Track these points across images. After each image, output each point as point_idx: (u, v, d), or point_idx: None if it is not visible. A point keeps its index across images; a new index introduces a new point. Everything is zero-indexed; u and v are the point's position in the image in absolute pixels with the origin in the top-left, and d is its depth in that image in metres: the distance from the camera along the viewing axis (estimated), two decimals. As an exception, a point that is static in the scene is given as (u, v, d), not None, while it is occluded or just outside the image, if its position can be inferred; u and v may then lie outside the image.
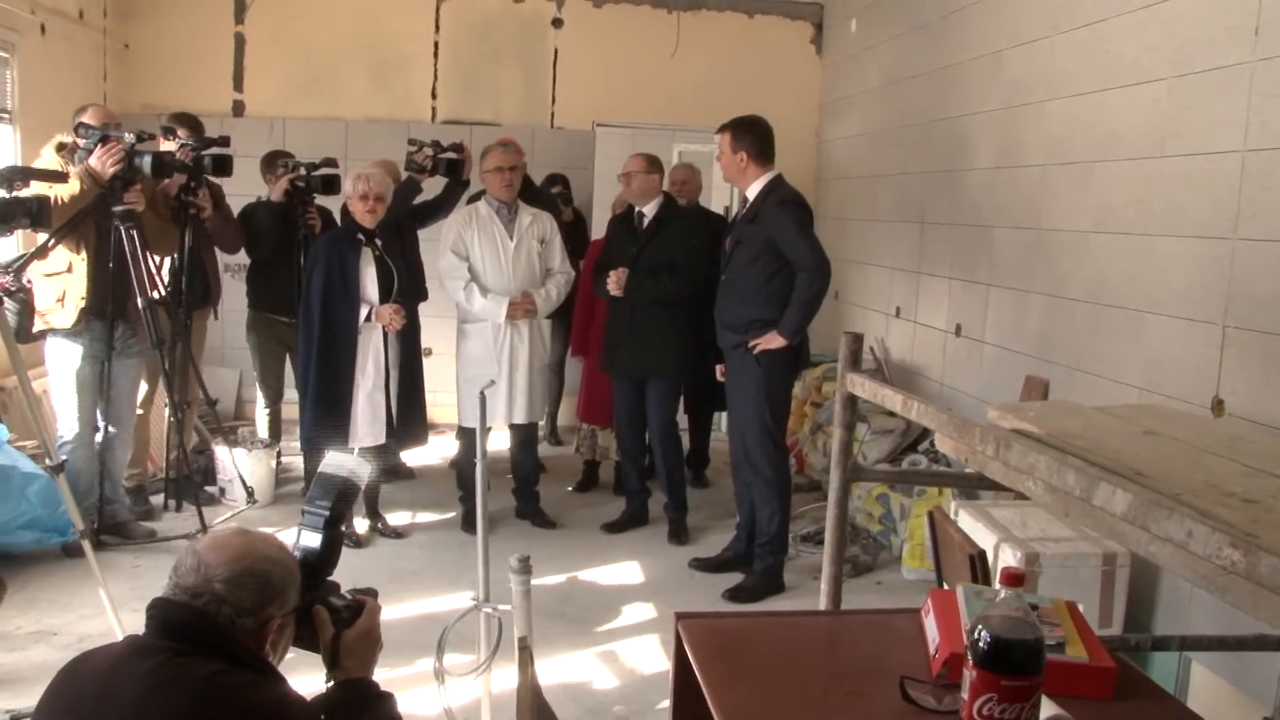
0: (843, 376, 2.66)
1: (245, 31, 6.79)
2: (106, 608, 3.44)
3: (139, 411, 4.82)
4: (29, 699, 1.58)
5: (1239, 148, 3.13)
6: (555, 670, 3.53)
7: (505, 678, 2.74)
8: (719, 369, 4.52)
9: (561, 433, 6.64)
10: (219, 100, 6.73)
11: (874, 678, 1.55)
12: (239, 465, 5.01)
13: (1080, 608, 1.69)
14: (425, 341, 4.96)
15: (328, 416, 4.50)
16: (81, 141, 4.18)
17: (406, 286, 4.64)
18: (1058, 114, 4.19)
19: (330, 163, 5.23)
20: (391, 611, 3.78)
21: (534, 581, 2.59)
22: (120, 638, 2.22)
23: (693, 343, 4.83)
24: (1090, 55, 3.95)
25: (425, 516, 5.15)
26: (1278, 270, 2.98)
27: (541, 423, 5.56)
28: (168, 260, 4.82)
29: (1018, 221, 4.51)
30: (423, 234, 5.06)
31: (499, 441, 5.34)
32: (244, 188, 5.36)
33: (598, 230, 6.18)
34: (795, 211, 4.14)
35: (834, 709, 1.52)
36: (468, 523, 4.85)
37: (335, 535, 1.82)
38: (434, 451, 5.96)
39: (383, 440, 4.67)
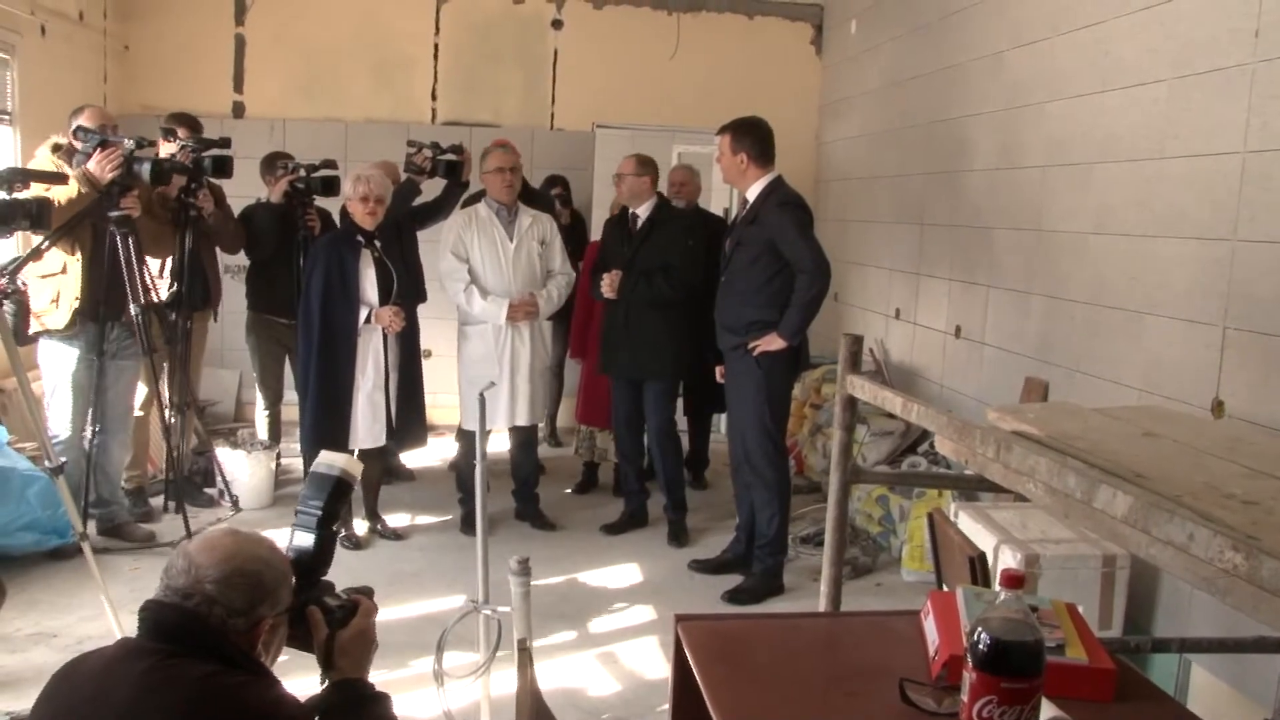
0: (842, 378, 2.65)
1: (245, 33, 6.79)
2: (107, 610, 3.44)
3: (139, 413, 4.82)
4: (29, 701, 1.58)
5: (1239, 149, 3.13)
6: (554, 672, 3.52)
7: (504, 680, 2.74)
8: (718, 370, 4.52)
9: (561, 434, 6.64)
10: (219, 101, 6.74)
11: (874, 680, 1.55)
12: (230, 470, 5.03)
13: (1080, 609, 1.69)
14: (425, 343, 4.96)
15: (327, 418, 4.50)
16: (79, 145, 4.17)
17: (406, 288, 4.64)
18: (1058, 115, 4.19)
19: (330, 164, 5.23)
20: (391, 613, 3.80)
21: (533, 583, 2.59)
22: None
23: (689, 343, 4.83)
24: (1090, 56, 3.95)
25: (424, 518, 5.15)
26: (1278, 272, 2.98)
27: (541, 424, 5.57)
28: (168, 262, 4.83)
29: (1017, 223, 4.51)
30: (422, 235, 5.06)
31: (499, 443, 5.34)
32: (244, 189, 5.36)
33: (597, 232, 6.18)
34: (795, 213, 4.14)
35: (834, 711, 1.51)
36: (467, 524, 4.84)
37: (328, 534, 1.81)
38: (433, 453, 5.96)
39: (382, 442, 4.67)
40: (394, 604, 3.96)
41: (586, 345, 5.58)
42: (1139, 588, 3.48)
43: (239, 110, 6.82)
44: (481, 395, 3.03)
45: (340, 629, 1.73)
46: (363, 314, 4.50)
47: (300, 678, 1.80)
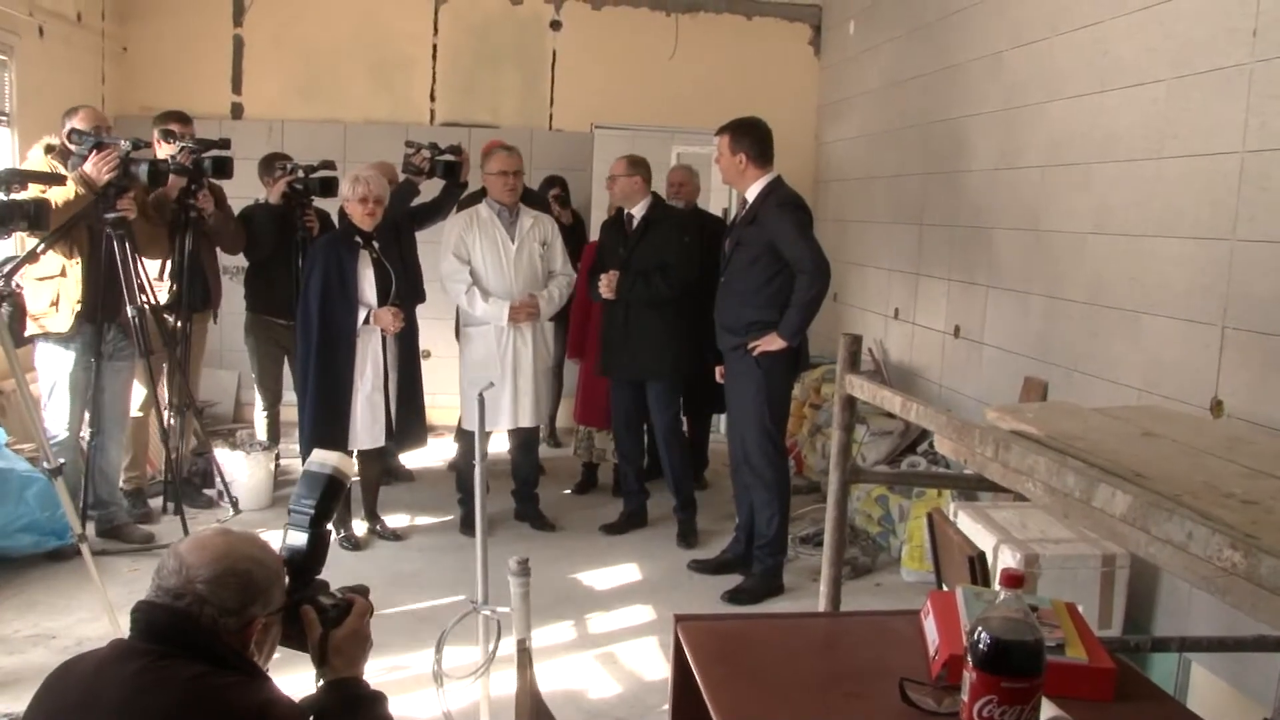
0: (841, 378, 2.65)
1: (244, 34, 6.79)
2: (106, 611, 3.44)
3: (139, 415, 4.81)
4: (27, 702, 1.58)
5: (1238, 149, 3.13)
6: (554, 672, 3.52)
7: (504, 680, 2.73)
8: (718, 370, 4.52)
9: (560, 434, 6.63)
10: (218, 103, 6.74)
11: (873, 680, 1.55)
12: (229, 471, 5.02)
13: (1080, 609, 1.69)
14: (424, 344, 4.96)
15: (326, 419, 4.49)
16: (74, 147, 4.16)
17: (404, 289, 4.64)
18: (1057, 115, 4.19)
19: (328, 165, 5.23)
20: (390, 614, 3.81)
21: (533, 583, 2.59)
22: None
23: (688, 342, 4.83)
24: (1089, 57, 3.95)
25: (424, 519, 5.14)
26: (1277, 271, 2.98)
27: (541, 425, 5.56)
28: (167, 264, 4.82)
29: (1017, 223, 4.51)
30: (421, 236, 5.06)
31: (498, 443, 5.33)
32: (242, 190, 5.35)
33: (596, 233, 6.17)
34: (795, 213, 4.14)
35: (833, 711, 1.51)
36: (466, 525, 4.84)
37: (321, 533, 1.80)
38: (433, 454, 5.96)
39: (381, 443, 4.66)
40: (393, 605, 3.96)
41: (584, 346, 5.57)
42: (1139, 587, 3.48)
43: (237, 111, 6.82)
44: (481, 396, 3.03)
45: (334, 628, 1.72)
46: (361, 315, 4.49)
47: (295, 676, 1.80)
